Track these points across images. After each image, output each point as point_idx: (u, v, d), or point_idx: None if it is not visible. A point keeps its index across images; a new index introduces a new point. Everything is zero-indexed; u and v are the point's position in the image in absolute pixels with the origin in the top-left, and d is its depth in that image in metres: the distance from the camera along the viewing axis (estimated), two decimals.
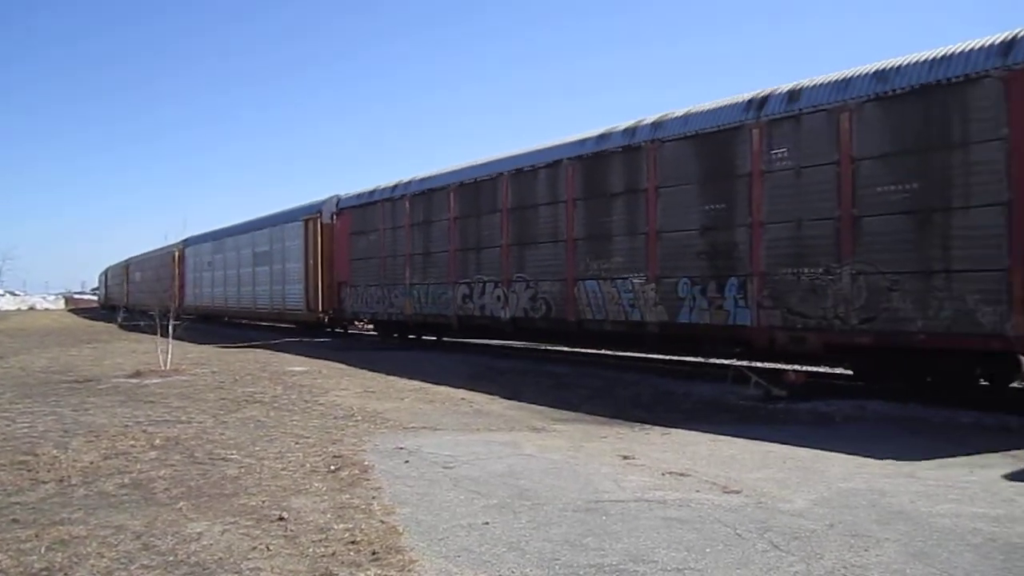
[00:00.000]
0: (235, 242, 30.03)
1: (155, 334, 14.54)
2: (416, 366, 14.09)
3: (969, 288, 8.39)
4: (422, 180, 18.64)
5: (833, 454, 6.58)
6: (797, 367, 11.54)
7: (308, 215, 23.67)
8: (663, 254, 12.00)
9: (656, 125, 12.37)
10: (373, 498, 5.07)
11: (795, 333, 10.15)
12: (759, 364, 11.83)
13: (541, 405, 9.73)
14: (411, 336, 20.55)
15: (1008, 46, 8.32)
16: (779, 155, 10.35)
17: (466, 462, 6.23)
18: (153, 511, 4.78)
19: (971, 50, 8.68)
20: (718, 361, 12.71)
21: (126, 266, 54.90)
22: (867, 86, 9.54)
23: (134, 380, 12.09)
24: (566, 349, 16.38)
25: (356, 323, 23.51)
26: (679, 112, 12.18)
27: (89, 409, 9.01)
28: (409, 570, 3.79)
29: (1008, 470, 5.90)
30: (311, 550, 4.05)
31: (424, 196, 18.30)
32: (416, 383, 11.64)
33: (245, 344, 20.29)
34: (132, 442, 6.94)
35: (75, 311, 66.40)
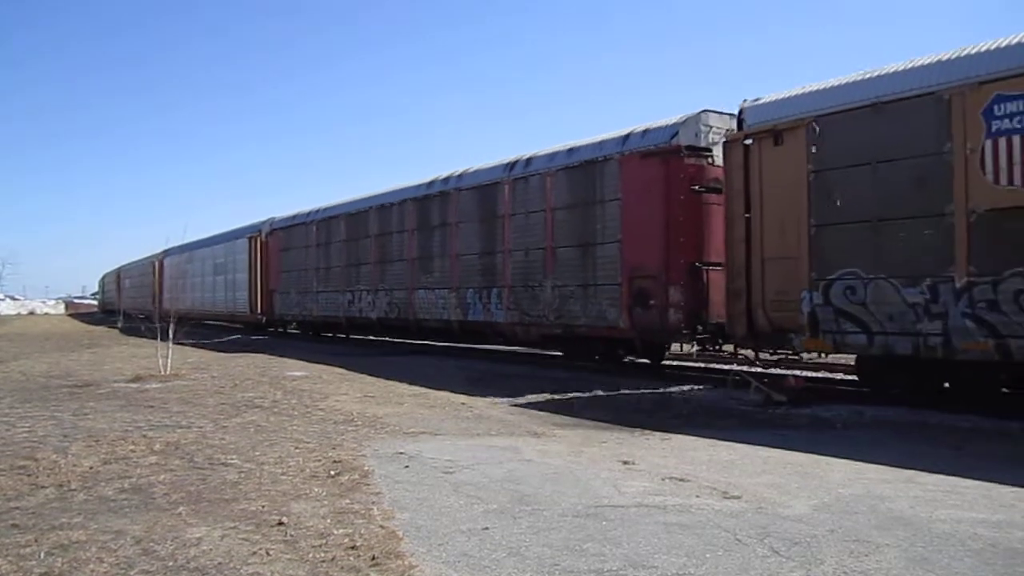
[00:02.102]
0: (201, 254, 34.08)
1: (154, 338, 14.54)
2: (416, 371, 14.10)
3: (604, 296, 12.74)
4: (325, 209, 23.40)
5: (833, 459, 6.58)
6: (797, 372, 11.57)
7: (252, 233, 28.05)
8: (460, 272, 16.42)
9: (459, 177, 17.01)
10: (373, 503, 5.07)
11: (525, 327, 14.56)
12: (759, 370, 11.87)
13: (541, 410, 9.73)
14: (324, 334, 25.27)
15: (624, 138, 12.66)
16: (519, 203, 14.73)
17: (466, 467, 6.23)
18: (153, 516, 4.77)
19: (610, 139, 13.00)
20: (718, 366, 12.84)
21: (118, 273, 56.17)
22: (562, 159, 13.88)
23: (134, 385, 12.09)
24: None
25: (287, 323, 27.37)
26: (472, 168, 16.73)
27: (89, 414, 9.00)
28: (409, 575, 3.79)
29: (1008, 475, 5.89)
30: (311, 555, 4.04)
31: (326, 222, 22.99)
32: (416, 388, 11.64)
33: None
34: (132, 447, 6.93)
35: (75, 316, 66.53)
